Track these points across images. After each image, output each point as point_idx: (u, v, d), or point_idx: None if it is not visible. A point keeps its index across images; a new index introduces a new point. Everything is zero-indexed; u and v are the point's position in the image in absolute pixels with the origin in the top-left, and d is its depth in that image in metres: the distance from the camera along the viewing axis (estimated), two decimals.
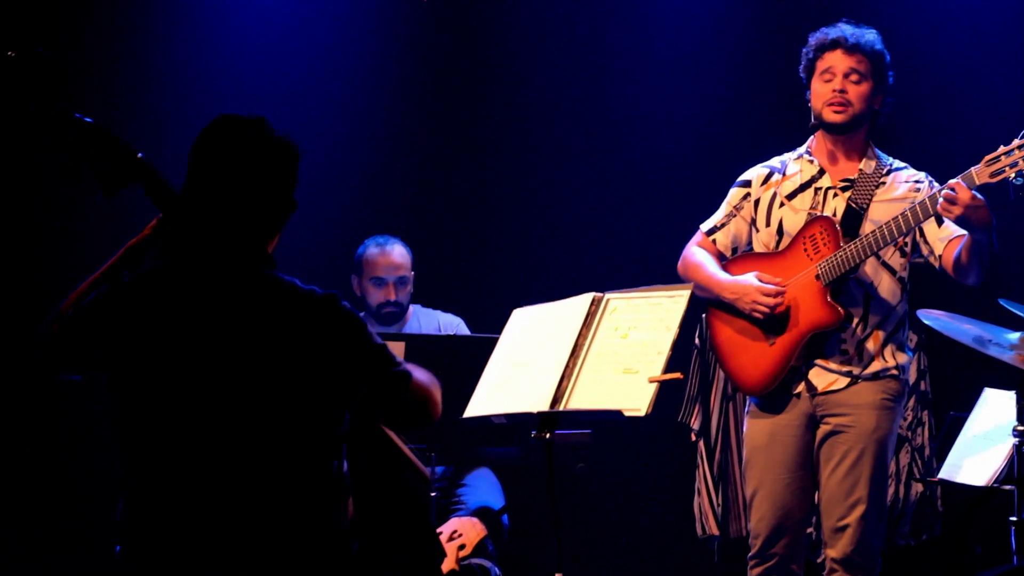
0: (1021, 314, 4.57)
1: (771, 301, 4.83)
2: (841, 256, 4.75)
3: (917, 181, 4.91)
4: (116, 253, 3.41)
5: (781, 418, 4.92)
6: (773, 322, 4.87)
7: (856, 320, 4.85)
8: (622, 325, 4.32)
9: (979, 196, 4.52)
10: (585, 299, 4.43)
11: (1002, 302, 4.66)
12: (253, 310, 3.23)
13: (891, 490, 5.93)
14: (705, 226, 5.18)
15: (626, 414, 4.13)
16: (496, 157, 7.14)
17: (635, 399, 4.13)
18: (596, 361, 4.28)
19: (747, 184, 5.12)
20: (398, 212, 6.95)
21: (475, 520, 5.42)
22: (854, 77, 4.87)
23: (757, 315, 4.87)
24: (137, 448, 3.22)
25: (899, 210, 4.72)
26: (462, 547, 5.25)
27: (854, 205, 4.87)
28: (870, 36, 4.91)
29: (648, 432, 6.42)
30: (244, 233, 3.29)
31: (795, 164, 5.05)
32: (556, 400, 4.25)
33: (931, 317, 4.70)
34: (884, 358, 4.85)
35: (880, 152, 4.99)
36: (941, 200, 4.55)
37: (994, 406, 5.41)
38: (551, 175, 7.09)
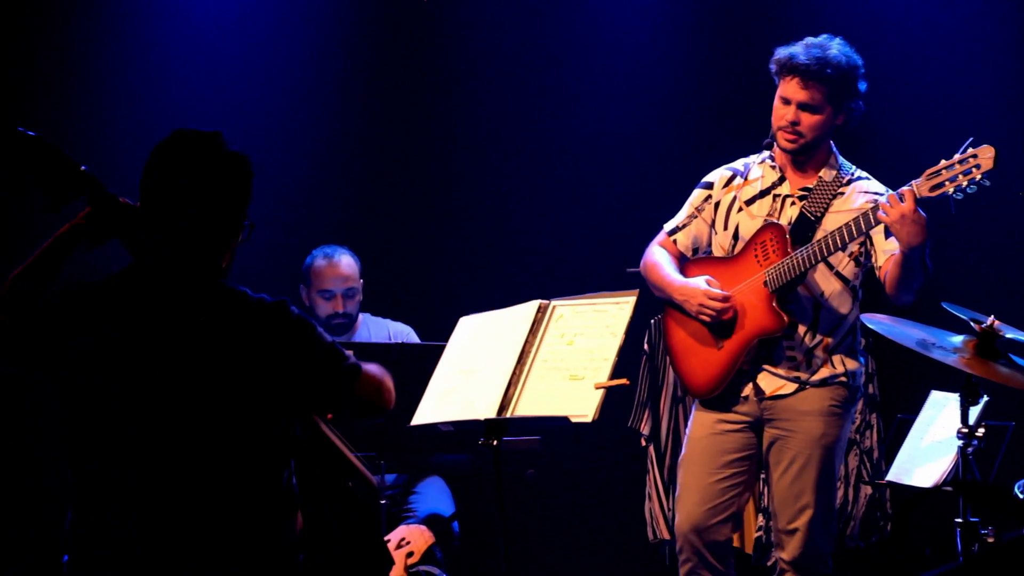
0: (964, 317, 4.60)
1: (717, 306, 4.84)
2: (788, 264, 4.77)
3: (876, 194, 4.87)
4: (45, 242, 3.40)
5: (725, 415, 4.94)
6: (722, 326, 4.89)
7: (805, 327, 4.86)
8: (568, 332, 4.34)
9: (920, 211, 4.51)
10: (531, 306, 4.44)
11: (945, 305, 4.68)
12: (205, 320, 3.23)
13: (840, 493, 5.97)
14: (668, 226, 5.18)
15: (573, 420, 4.15)
16: (444, 165, 7.14)
17: (582, 405, 4.15)
18: (542, 368, 4.29)
19: (709, 186, 5.12)
20: (346, 220, 6.93)
21: (423, 528, 5.42)
22: (809, 109, 4.83)
23: (704, 319, 4.89)
24: (87, 456, 3.20)
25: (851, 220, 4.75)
26: (410, 555, 5.25)
27: (807, 214, 4.88)
28: (833, 58, 4.82)
29: (598, 438, 6.44)
30: (197, 245, 3.29)
31: (758, 168, 5.05)
32: (503, 407, 4.26)
33: (875, 321, 4.71)
34: (833, 365, 4.86)
35: (843, 161, 4.98)
36: (883, 202, 4.56)
37: (940, 408, 5.45)
38: (498, 183, 7.10)
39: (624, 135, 7.02)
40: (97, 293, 3.26)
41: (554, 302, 4.44)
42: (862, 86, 4.91)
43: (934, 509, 5.62)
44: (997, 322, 4.53)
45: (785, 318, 4.78)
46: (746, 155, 5.11)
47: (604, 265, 6.51)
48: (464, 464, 6.03)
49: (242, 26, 6.91)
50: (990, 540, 4.66)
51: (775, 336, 4.82)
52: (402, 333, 6.27)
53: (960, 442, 4.73)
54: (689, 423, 5.06)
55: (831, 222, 4.81)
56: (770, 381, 4.88)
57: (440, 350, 4.61)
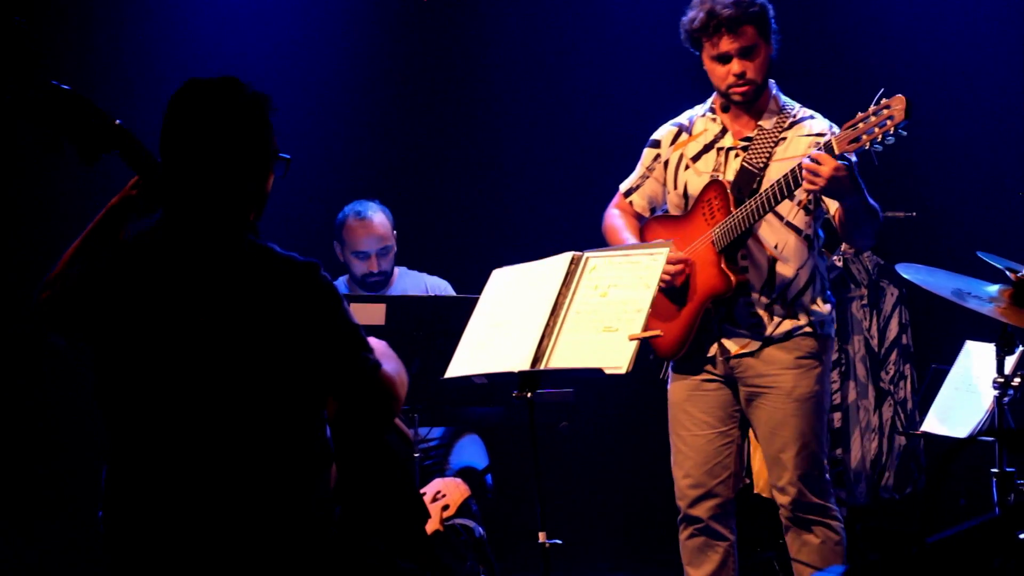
0: (1000, 266, 4.57)
1: (672, 269, 4.73)
2: (731, 222, 4.68)
3: (819, 135, 4.74)
4: (96, 216, 3.41)
5: (698, 376, 4.89)
6: (680, 290, 4.81)
7: (761, 283, 4.78)
8: (601, 284, 4.32)
9: (842, 163, 4.41)
10: (564, 258, 4.43)
11: (981, 254, 4.66)
12: (233, 278, 3.21)
13: (874, 444, 5.96)
14: (623, 186, 5.12)
15: (607, 372, 4.14)
16: (478, 119, 7.14)
17: (615, 357, 4.14)
18: (576, 320, 4.28)
19: (657, 144, 5.04)
20: (382, 174, 6.95)
21: (459, 480, 5.43)
22: (748, 52, 4.74)
23: (660, 284, 4.74)
24: (121, 416, 3.21)
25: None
26: (446, 508, 5.25)
27: (749, 166, 4.77)
28: None
29: (631, 390, 6.44)
30: (221, 196, 3.26)
31: (701, 122, 4.95)
32: (537, 359, 4.26)
33: (910, 271, 4.69)
34: (796, 317, 4.78)
35: (785, 101, 4.86)
36: (804, 173, 4.46)
37: (975, 358, 5.42)
38: (532, 137, 7.09)
39: (657, 90, 6.98)
40: (126, 256, 3.26)
41: (587, 253, 4.43)
42: (771, 12, 4.81)
43: (969, 459, 5.61)
44: None
45: (732, 278, 4.70)
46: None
47: None
48: (498, 417, 6.04)
49: None
50: None
51: (724, 296, 4.74)
52: (439, 287, 6.25)
53: (996, 392, 4.72)
54: (668, 389, 5.01)
55: (775, 171, 4.70)
56: (734, 341, 4.82)
57: (472, 303, 4.61)
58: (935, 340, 6.13)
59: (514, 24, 7.10)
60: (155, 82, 6.48)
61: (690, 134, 4.95)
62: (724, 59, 4.76)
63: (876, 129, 4.38)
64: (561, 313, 4.32)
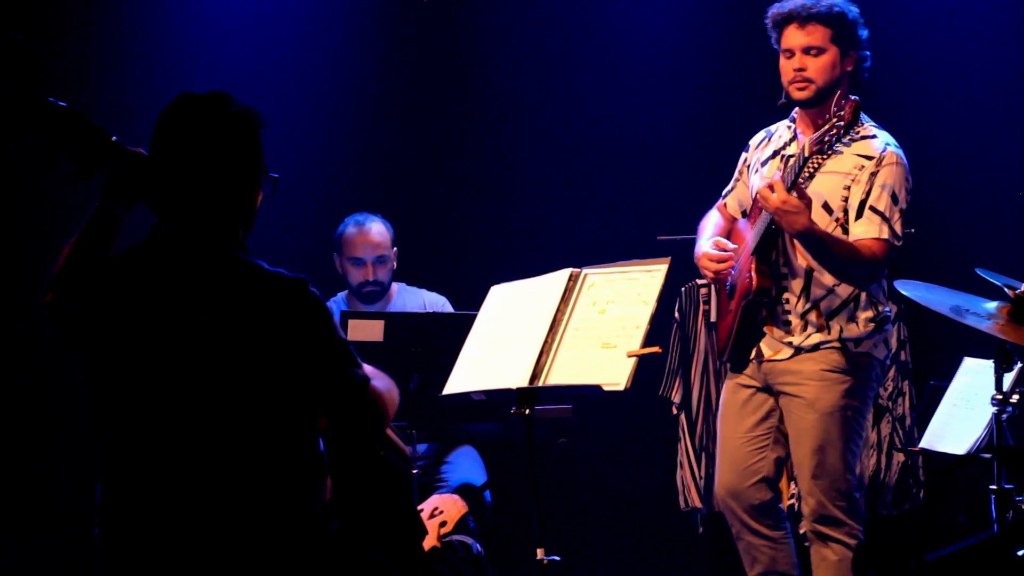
0: (998, 283, 4.57)
1: (714, 267, 4.86)
2: (759, 226, 4.74)
3: (867, 157, 4.75)
4: (89, 213, 3.41)
5: (741, 378, 4.94)
6: (731, 289, 4.90)
7: (798, 291, 4.80)
8: (600, 300, 4.33)
9: (793, 199, 4.51)
10: (563, 275, 4.44)
11: (979, 271, 4.66)
12: (222, 294, 3.21)
13: (872, 460, 5.96)
14: (724, 191, 5.18)
15: (605, 388, 4.15)
16: (479, 136, 7.14)
17: (614, 373, 4.15)
18: (574, 336, 4.29)
19: (747, 149, 5.11)
20: (381, 190, 6.94)
21: (456, 497, 5.42)
22: (813, 51, 4.76)
23: (710, 280, 5.00)
24: (115, 431, 3.21)
25: (838, 184, 4.73)
26: (443, 524, 5.25)
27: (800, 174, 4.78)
28: (826, 1, 4.79)
29: (629, 406, 6.44)
30: (209, 211, 3.26)
31: (781, 128, 5.00)
32: (535, 376, 4.26)
33: (908, 287, 4.69)
34: (828, 330, 4.78)
35: (862, 116, 4.83)
36: (758, 196, 4.61)
37: (973, 375, 5.42)
38: (531, 152, 7.09)
39: (657, 104, 6.99)
40: (119, 268, 3.26)
41: (585, 270, 4.44)
42: (863, 33, 4.84)
43: (968, 476, 5.60)
44: None
45: (755, 280, 4.73)
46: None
47: (635, 233, 6.50)
48: (496, 433, 6.03)
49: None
50: None
51: (752, 299, 4.77)
52: (437, 303, 6.25)
53: (994, 409, 4.72)
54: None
55: (820, 183, 4.73)
56: (770, 345, 4.86)
57: (470, 319, 4.61)
58: (933, 357, 6.12)
59: (513, 41, 7.10)
60: (152, 95, 6.49)
61: (769, 140, 5.01)
62: (789, 54, 4.81)
63: (834, 130, 4.47)
64: (559, 330, 4.32)
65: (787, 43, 4.81)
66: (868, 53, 4.86)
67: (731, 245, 4.91)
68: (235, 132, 3.28)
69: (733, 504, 4.91)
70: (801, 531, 5.51)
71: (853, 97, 4.48)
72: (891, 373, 5.96)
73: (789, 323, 4.82)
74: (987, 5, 6.63)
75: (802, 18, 4.77)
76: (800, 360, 4.80)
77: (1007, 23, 6.55)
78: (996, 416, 4.72)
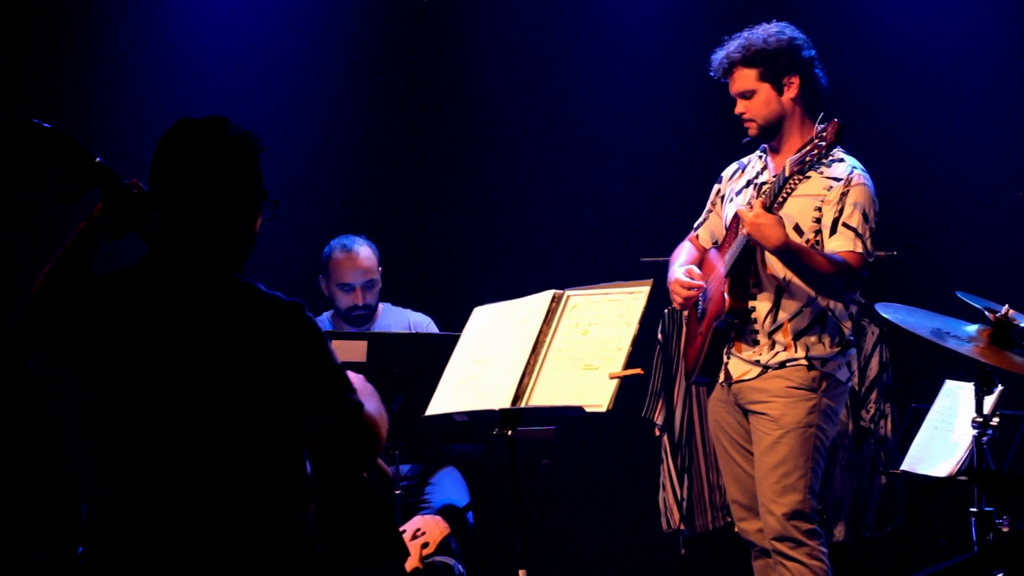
0: (978, 306, 4.59)
1: (684, 293, 4.95)
2: (733, 249, 4.82)
3: (835, 179, 4.84)
4: (68, 238, 3.40)
5: (720, 404, 5.02)
6: (702, 312, 4.99)
7: (767, 310, 4.86)
8: (582, 322, 4.34)
9: (768, 216, 4.61)
10: (545, 296, 4.45)
11: (960, 294, 4.68)
12: (219, 316, 3.22)
13: (855, 482, 5.97)
14: (696, 222, 5.27)
15: (587, 410, 4.15)
16: (461, 155, 7.15)
17: (596, 395, 4.15)
18: (557, 358, 4.29)
19: (719, 180, 5.20)
20: (364, 210, 6.94)
21: (438, 518, 5.42)
22: (746, 95, 4.94)
23: (677, 306, 5.07)
24: (104, 450, 3.22)
25: (808, 206, 4.80)
26: (425, 545, 5.25)
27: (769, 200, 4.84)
28: (748, 40, 4.93)
29: (612, 428, 6.45)
30: (207, 235, 3.28)
31: (753, 159, 5.10)
32: (518, 397, 4.27)
33: (890, 310, 4.71)
34: (796, 349, 4.83)
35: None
36: (740, 213, 4.70)
37: (955, 397, 5.44)
38: (514, 173, 7.11)
39: (638, 125, 7.01)
40: (112, 288, 3.27)
41: (568, 292, 4.45)
42: (805, 54, 4.93)
43: (949, 499, 5.62)
44: (1012, 311, 4.53)
45: (728, 301, 4.81)
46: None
47: (618, 255, 6.52)
48: (479, 454, 6.04)
49: (262, 15, 6.92)
50: (1005, 530, 4.66)
51: (724, 319, 4.84)
52: (422, 324, 6.25)
53: (975, 431, 4.74)
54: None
55: (791, 207, 4.78)
56: (737, 365, 4.92)
57: (453, 340, 4.62)
58: (915, 379, 6.14)
59: (496, 64, 7.11)
60: (141, 111, 6.50)
61: (742, 171, 5.10)
62: (735, 99, 4.98)
63: (815, 151, 4.51)
64: (542, 351, 4.33)
65: (730, 91, 4.99)
66: (816, 71, 4.96)
67: (699, 272, 5.00)
68: (234, 157, 3.31)
69: (746, 525, 4.99)
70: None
71: (835, 120, 4.51)
72: (873, 395, 5.98)
73: (757, 342, 4.88)
74: (975, 28, 6.67)
75: (726, 69, 4.97)
76: (767, 378, 4.86)
77: (999, 58, 6.59)
78: (976, 439, 4.74)
